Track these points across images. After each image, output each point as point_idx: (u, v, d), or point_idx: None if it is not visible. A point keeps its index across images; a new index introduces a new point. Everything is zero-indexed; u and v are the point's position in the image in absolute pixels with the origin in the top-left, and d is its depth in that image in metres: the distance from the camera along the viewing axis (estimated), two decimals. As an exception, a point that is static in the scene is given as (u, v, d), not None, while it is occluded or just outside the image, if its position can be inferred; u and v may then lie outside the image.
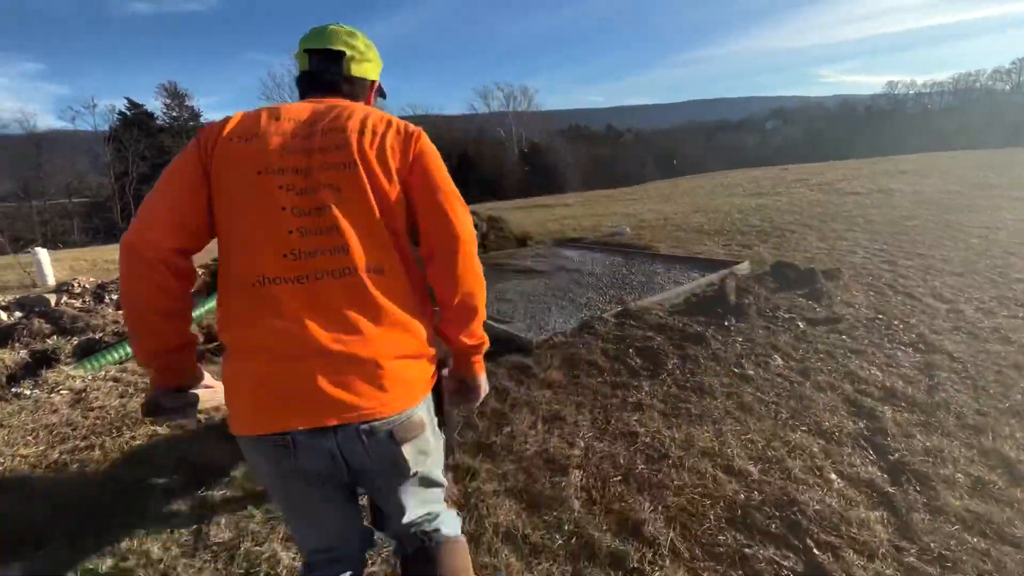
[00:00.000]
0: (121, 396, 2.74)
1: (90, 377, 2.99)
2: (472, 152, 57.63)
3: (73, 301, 4.12)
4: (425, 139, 1.07)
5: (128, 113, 42.20)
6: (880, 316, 3.65)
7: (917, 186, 10.75)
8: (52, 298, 4.10)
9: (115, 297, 4.26)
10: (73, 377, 2.96)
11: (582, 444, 2.24)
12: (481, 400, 1.18)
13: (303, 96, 1.14)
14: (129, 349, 3.40)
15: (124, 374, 3.00)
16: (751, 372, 2.87)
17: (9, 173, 36.88)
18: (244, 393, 0.92)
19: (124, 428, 2.42)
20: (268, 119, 1.01)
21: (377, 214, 0.97)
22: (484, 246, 6.85)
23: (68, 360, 3.37)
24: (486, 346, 1.12)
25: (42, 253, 6.72)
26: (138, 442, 2.34)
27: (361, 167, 0.97)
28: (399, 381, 0.94)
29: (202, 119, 45.66)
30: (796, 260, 5.17)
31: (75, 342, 3.43)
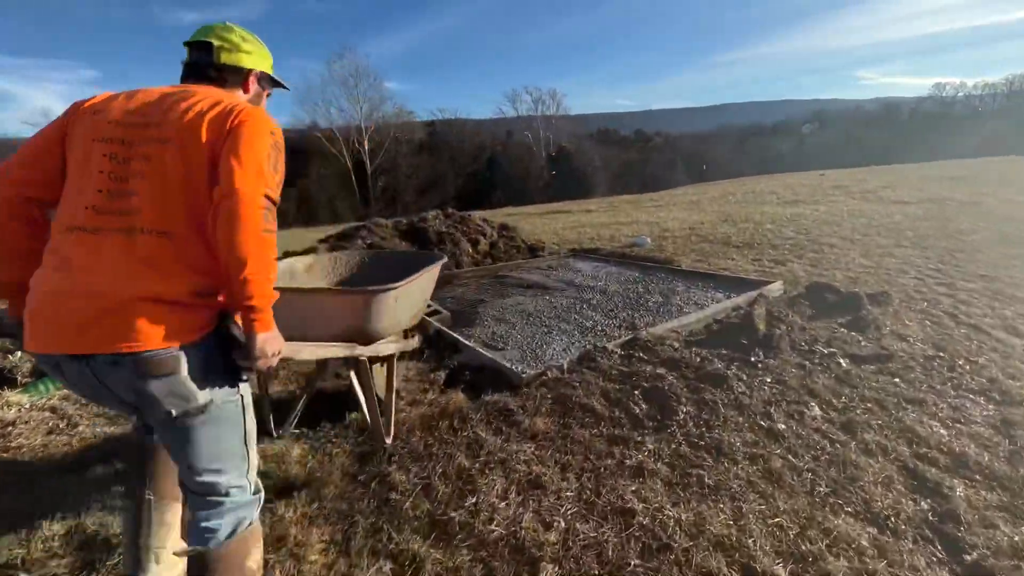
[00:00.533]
0: (49, 432, 2.43)
1: (28, 406, 2.70)
2: (499, 155, 57.51)
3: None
4: (247, 118, 1.14)
5: (167, 117, 43.76)
6: (940, 354, 3.07)
7: (973, 195, 9.83)
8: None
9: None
10: (10, 404, 2.67)
11: (562, 525, 1.78)
12: (260, 360, 1.14)
13: (182, 83, 1.30)
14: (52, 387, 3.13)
15: (66, 403, 2.71)
16: (781, 426, 2.36)
17: None
18: (27, 316, 1.09)
19: (36, 478, 2.09)
20: (122, 98, 1.19)
21: (177, 185, 1.10)
22: (492, 255, 6.44)
23: (26, 380, 3.11)
24: (262, 308, 1.12)
25: None
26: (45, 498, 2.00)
27: (176, 143, 1.11)
28: (151, 323, 1.05)
29: (237, 123, 47.14)
30: (836, 280, 4.58)
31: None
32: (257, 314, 1.11)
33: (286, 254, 6.03)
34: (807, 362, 3.00)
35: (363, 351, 1.99)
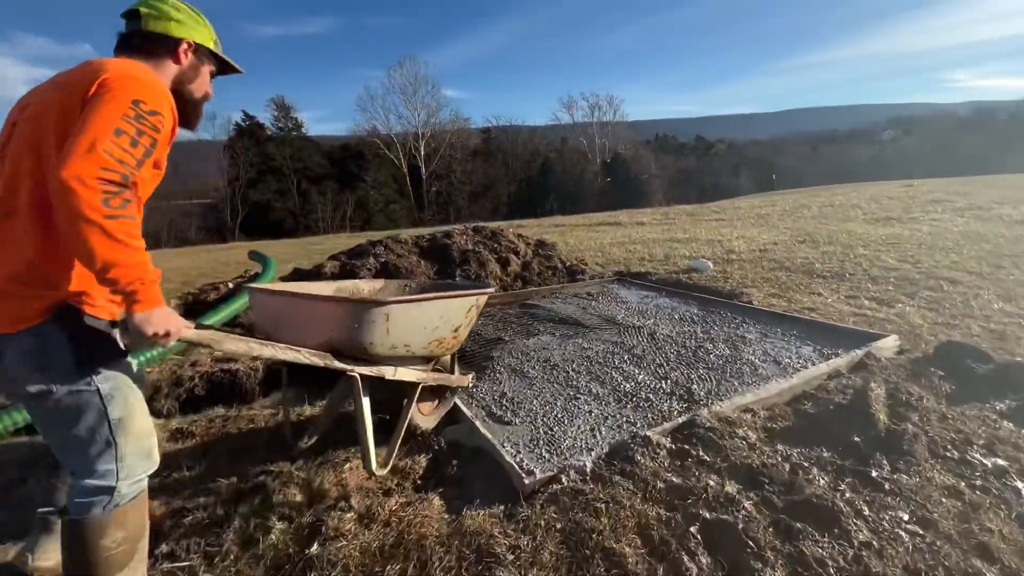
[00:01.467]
0: None
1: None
2: (553, 162, 56.70)
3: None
4: (108, 84, 1.08)
5: (242, 124, 46.25)
6: None
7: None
8: None
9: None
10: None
11: None
12: (142, 341, 1.13)
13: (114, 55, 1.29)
14: (19, 418, 2.65)
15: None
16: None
17: None
18: None
19: None
20: (44, 83, 1.23)
21: (26, 164, 1.11)
22: (523, 278, 5.61)
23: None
24: (134, 290, 1.08)
25: None
26: None
27: (40, 118, 1.11)
28: None
29: (304, 129, 49.34)
30: (975, 335, 3.41)
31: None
32: (130, 296, 1.09)
33: (295, 272, 5.47)
34: (962, 482, 1.97)
35: (358, 369, 1.84)
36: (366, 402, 1.91)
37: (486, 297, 2.37)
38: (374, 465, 1.94)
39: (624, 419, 2.53)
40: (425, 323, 2.03)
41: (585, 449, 2.26)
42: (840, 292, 4.70)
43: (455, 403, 2.68)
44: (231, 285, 4.50)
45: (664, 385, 2.92)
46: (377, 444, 1.96)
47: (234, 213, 43.49)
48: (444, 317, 2.11)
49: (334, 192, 44.94)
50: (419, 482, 2.16)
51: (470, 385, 2.68)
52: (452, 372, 2.62)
